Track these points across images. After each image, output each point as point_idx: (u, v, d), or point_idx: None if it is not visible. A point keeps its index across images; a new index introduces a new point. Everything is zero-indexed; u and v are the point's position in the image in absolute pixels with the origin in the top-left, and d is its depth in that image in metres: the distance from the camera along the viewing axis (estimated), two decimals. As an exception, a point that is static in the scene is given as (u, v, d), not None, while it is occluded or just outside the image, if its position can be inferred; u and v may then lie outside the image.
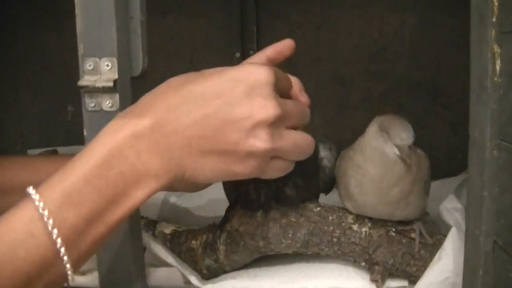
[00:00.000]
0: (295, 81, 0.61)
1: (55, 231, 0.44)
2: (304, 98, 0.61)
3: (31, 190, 0.46)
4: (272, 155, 0.53)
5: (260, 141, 0.50)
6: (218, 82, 0.50)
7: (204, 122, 0.49)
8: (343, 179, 0.72)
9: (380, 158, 0.67)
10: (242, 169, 0.52)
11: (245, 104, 0.49)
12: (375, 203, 0.69)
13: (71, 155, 0.77)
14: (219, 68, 0.53)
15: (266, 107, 0.50)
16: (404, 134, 0.65)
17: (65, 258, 0.45)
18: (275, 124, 0.51)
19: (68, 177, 0.46)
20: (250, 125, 0.49)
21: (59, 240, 0.45)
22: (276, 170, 0.56)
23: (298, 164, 0.60)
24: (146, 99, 0.53)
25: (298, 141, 0.55)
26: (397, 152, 0.65)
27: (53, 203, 0.45)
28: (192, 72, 0.55)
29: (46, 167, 0.72)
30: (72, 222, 0.45)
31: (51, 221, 0.44)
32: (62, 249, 0.45)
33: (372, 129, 0.68)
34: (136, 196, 0.49)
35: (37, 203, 0.45)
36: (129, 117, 0.50)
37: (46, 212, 0.44)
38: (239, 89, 0.50)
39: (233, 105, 0.49)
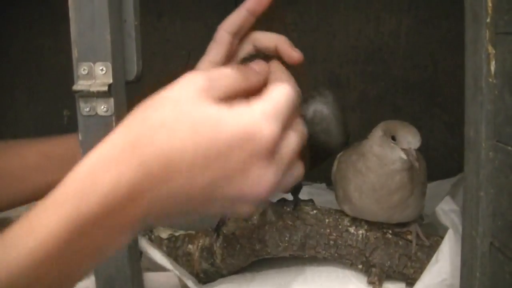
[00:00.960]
0: (282, 39, 0.57)
1: None
2: (296, 54, 0.56)
3: None
4: None
5: (247, 209, 0.41)
6: (212, 144, 0.38)
7: (186, 201, 0.39)
8: (342, 182, 0.71)
9: (382, 167, 0.67)
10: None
11: (238, 178, 0.39)
12: (373, 208, 0.69)
13: (61, 137, 0.72)
14: (215, 116, 0.38)
15: (261, 184, 0.39)
16: (411, 138, 0.65)
17: None
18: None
19: (4, 265, 0.35)
20: (238, 200, 0.40)
21: None
22: None
23: None
24: (117, 146, 0.38)
25: (290, 183, 0.44)
26: (404, 157, 0.65)
27: None
28: (172, 109, 0.39)
29: (32, 151, 0.69)
30: None
31: None
32: None
33: (377, 134, 0.67)
34: (86, 273, 0.40)
35: None
36: (91, 182, 0.36)
37: None
38: (234, 158, 0.38)
39: (224, 182, 0.38)
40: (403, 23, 1.12)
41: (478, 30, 0.51)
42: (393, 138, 0.65)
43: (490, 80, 0.50)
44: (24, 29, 1.23)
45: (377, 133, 0.67)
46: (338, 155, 0.74)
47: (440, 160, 1.12)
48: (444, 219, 0.71)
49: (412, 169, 0.66)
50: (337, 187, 0.73)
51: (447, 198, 0.75)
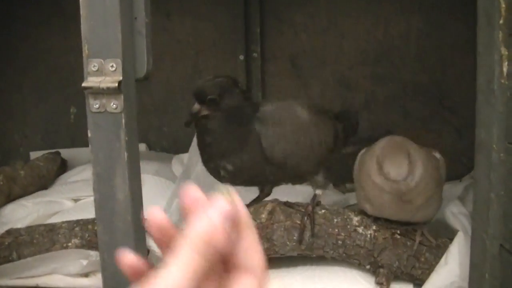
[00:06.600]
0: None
1: None
2: None
3: None
4: None
5: None
6: None
7: None
8: (362, 181, 0.71)
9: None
10: None
11: None
12: (392, 211, 0.70)
13: None
14: None
15: None
16: (395, 170, 0.65)
17: None
18: None
19: None
20: None
21: None
22: None
23: None
24: None
25: None
26: (395, 187, 0.66)
27: None
28: None
29: None
30: None
31: None
32: None
33: (372, 165, 0.68)
34: None
35: None
36: None
37: None
38: None
39: None
40: (413, 25, 1.12)
41: (491, 32, 0.51)
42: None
43: (503, 81, 0.50)
44: (33, 28, 1.24)
45: (372, 162, 0.68)
46: (360, 153, 0.74)
47: (449, 162, 1.12)
48: (454, 222, 0.71)
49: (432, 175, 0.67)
50: (357, 186, 0.73)
51: (456, 201, 0.75)
